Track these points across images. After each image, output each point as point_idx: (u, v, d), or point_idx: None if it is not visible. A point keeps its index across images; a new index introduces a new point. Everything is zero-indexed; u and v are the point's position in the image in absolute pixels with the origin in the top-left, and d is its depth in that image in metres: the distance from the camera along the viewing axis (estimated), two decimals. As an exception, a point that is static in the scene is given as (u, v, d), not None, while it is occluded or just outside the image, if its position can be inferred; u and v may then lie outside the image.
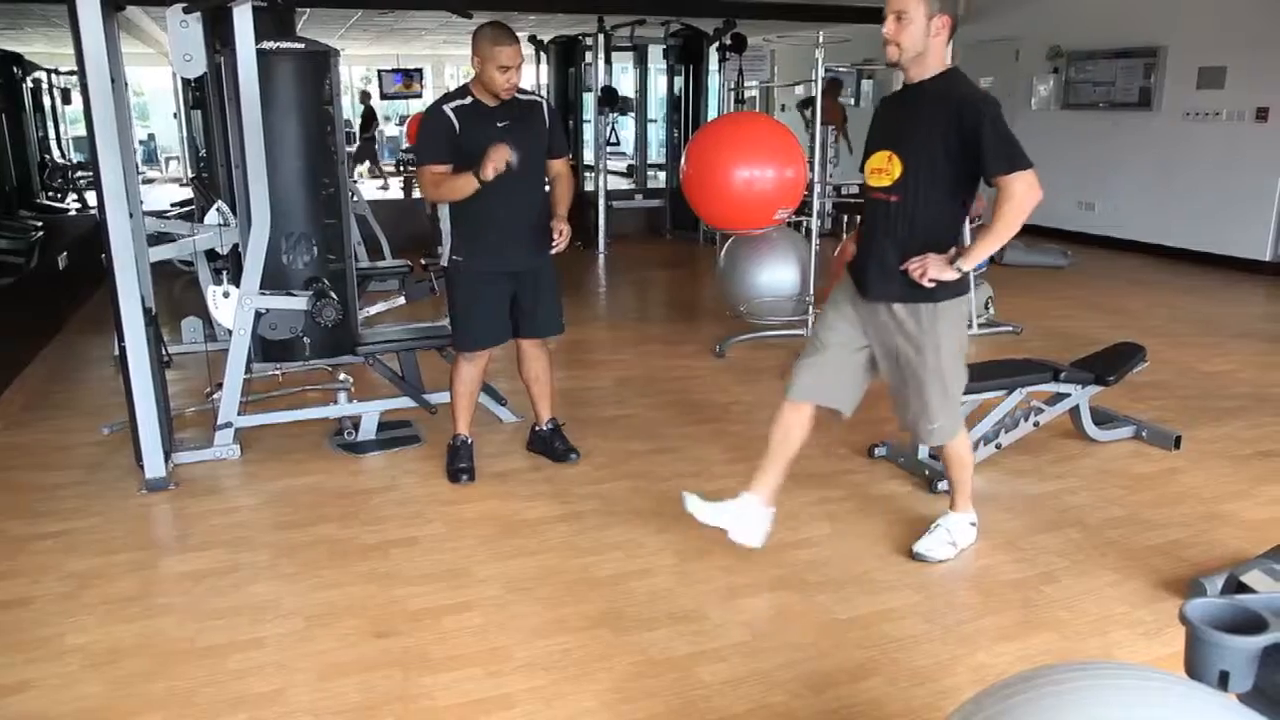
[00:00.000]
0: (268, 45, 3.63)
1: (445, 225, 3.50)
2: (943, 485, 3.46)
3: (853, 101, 12.32)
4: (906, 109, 2.67)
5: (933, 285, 2.57)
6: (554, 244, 3.38)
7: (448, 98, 3.37)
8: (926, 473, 3.56)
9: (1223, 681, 1.24)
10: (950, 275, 2.57)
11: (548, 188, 3.53)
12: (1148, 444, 3.97)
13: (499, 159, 3.13)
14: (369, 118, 16.13)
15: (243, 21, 3.46)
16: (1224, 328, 6.16)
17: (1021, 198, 2.45)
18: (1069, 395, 3.81)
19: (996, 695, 1.22)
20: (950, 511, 3.05)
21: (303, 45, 3.83)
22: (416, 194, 11.30)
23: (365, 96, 16.49)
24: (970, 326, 5.81)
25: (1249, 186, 7.92)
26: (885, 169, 2.66)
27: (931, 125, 2.55)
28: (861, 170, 2.82)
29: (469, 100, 3.32)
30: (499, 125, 3.29)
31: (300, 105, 3.77)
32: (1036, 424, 3.80)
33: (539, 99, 3.53)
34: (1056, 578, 2.89)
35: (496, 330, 3.55)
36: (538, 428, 3.87)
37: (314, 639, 2.55)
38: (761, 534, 2.91)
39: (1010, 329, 5.90)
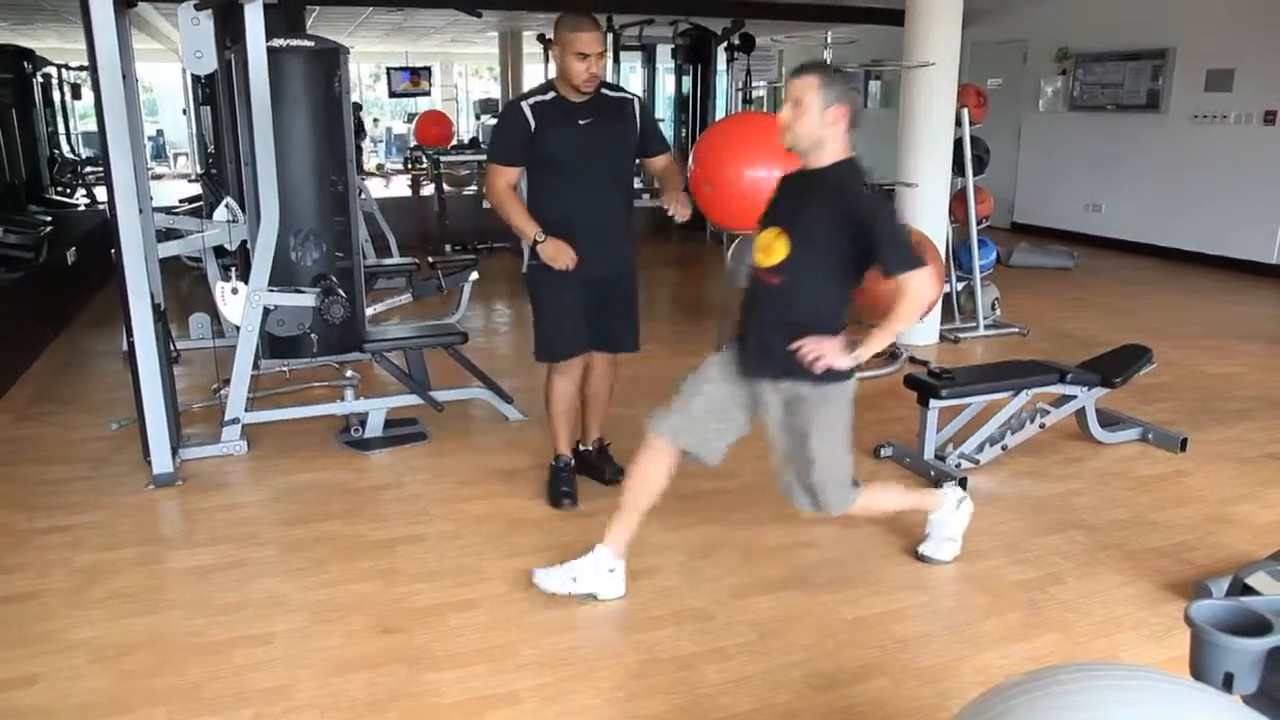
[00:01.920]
0: (278, 42, 3.65)
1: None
2: (948, 485, 3.47)
3: (861, 102, 12.31)
4: (802, 193, 2.61)
5: (822, 370, 2.50)
6: (673, 213, 3.11)
7: (529, 93, 3.19)
8: (933, 473, 3.56)
9: (1227, 683, 1.25)
10: (846, 362, 2.51)
11: (639, 184, 3.33)
12: (1154, 446, 3.97)
13: (563, 261, 3.05)
14: (356, 130, 16.08)
15: (253, 19, 3.47)
16: (1231, 330, 6.15)
17: (919, 294, 2.48)
18: (1075, 397, 3.80)
19: (1000, 697, 1.23)
20: (931, 516, 3.01)
21: (312, 42, 3.85)
22: (424, 191, 11.34)
23: (355, 108, 16.44)
24: (976, 328, 5.82)
25: (1257, 189, 7.90)
26: (770, 247, 2.58)
27: (822, 213, 2.52)
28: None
29: (550, 96, 3.12)
30: (580, 123, 3.10)
31: (309, 102, 3.78)
32: (1042, 425, 3.79)
33: (629, 96, 3.29)
34: (1062, 579, 2.89)
35: (580, 338, 3.29)
36: (583, 447, 3.59)
37: (320, 635, 2.56)
38: (621, 585, 2.77)
39: (1016, 330, 5.89)
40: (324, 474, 3.69)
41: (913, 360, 5.13)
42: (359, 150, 15.81)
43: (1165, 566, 2.96)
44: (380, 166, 16.54)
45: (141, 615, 2.66)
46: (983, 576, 2.91)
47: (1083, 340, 5.52)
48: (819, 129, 2.50)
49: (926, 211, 5.48)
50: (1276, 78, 7.67)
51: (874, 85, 12.54)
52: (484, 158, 11.10)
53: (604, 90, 3.16)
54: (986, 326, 5.86)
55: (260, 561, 2.99)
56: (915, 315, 2.55)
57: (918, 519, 3.23)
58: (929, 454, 3.62)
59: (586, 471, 3.59)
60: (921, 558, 2.97)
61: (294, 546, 3.09)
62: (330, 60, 3.86)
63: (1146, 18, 8.70)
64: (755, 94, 9.80)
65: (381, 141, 18.87)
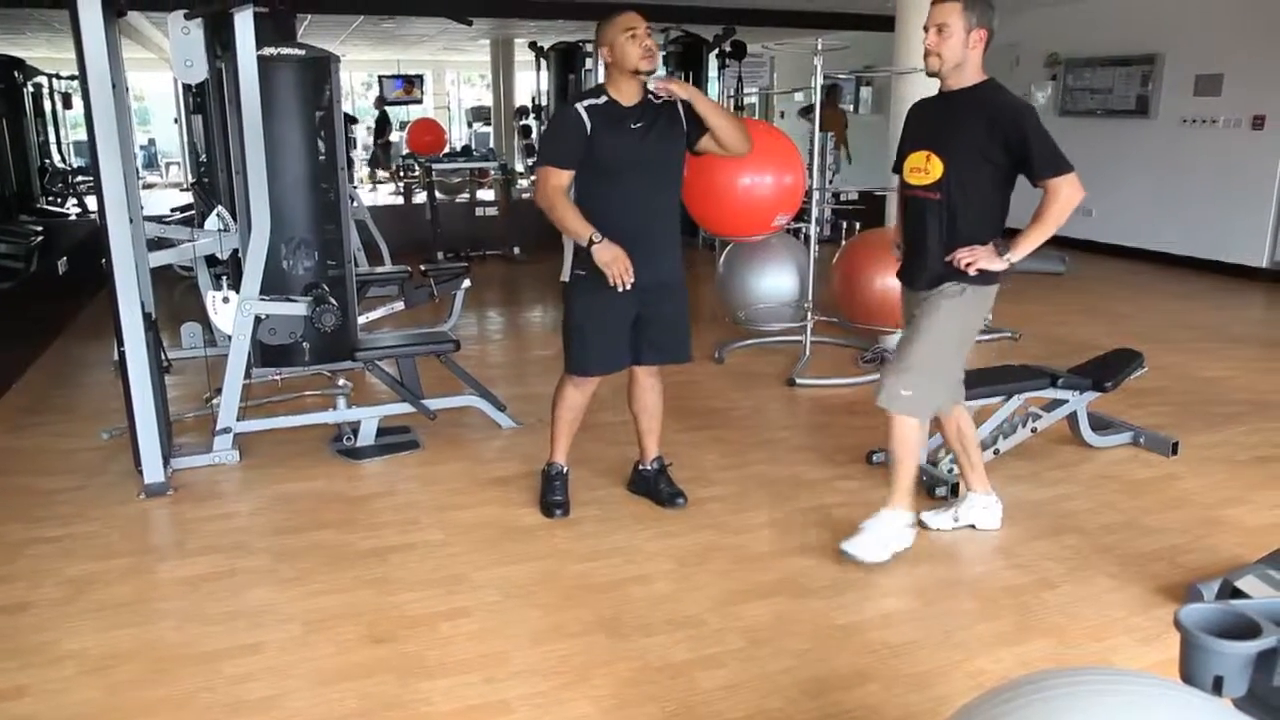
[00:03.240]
0: (268, 51, 3.64)
1: (569, 240, 3.17)
2: (941, 491, 3.48)
3: (851, 108, 12.35)
4: (945, 114, 2.83)
5: (978, 274, 2.75)
6: (661, 90, 3.04)
7: (583, 96, 3.11)
8: (925, 478, 3.56)
9: (1217, 686, 1.25)
10: (999, 265, 2.75)
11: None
12: (1146, 450, 3.98)
13: (617, 270, 2.92)
14: (383, 123, 16.09)
15: (244, 27, 3.47)
16: (1221, 334, 6.17)
17: (1067, 198, 2.66)
18: (1067, 401, 3.82)
19: (991, 702, 1.23)
20: (883, 510, 2.98)
21: (303, 51, 3.85)
22: (416, 199, 11.33)
23: (380, 102, 16.44)
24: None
25: (1246, 193, 7.94)
26: (924, 168, 2.81)
27: (973, 130, 2.72)
28: (897, 171, 2.98)
29: (603, 100, 3.06)
30: (633, 127, 3.06)
31: (300, 111, 3.78)
32: (1034, 430, 3.80)
33: (674, 100, 3.16)
34: (1054, 584, 2.89)
35: (614, 355, 3.21)
36: (642, 466, 3.52)
37: (311, 645, 2.55)
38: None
39: (1008, 335, 5.91)
40: (316, 483, 3.68)
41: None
42: (388, 145, 15.87)
43: (1157, 570, 2.96)
44: (371, 175, 16.53)
45: (132, 626, 2.65)
46: (974, 581, 2.92)
47: (1074, 344, 5.54)
48: (962, 51, 2.69)
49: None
50: (1265, 82, 7.72)
51: (865, 91, 12.60)
52: (476, 166, 11.12)
53: (649, 96, 3.10)
54: (978, 331, 5.87)
55: (252, 571, 2.98)
56: (1062, 218, 2.70)
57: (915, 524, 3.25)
58: (922, 459, 3.61)
59: (645, 493, 3.52)
60: (843, 552, 2.92)
61: (286, 556, 3.07)
62: (321, 69, 3.85)
63: (1136, 23, 8.75)
64: (747, 100, 9.82)
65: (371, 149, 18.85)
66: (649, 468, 3.51)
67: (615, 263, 2.93)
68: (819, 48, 5.14)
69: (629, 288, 2.95)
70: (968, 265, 2.74)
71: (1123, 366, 3.99)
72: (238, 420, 3.83)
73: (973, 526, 3.22)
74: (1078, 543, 3.16)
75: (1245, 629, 1.26)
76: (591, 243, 2.95)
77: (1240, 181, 7.98)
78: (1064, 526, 3.28)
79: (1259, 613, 1.29)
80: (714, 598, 2.79)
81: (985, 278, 2.81)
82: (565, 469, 3.43)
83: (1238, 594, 2.36)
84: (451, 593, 2.83)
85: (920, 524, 3.18)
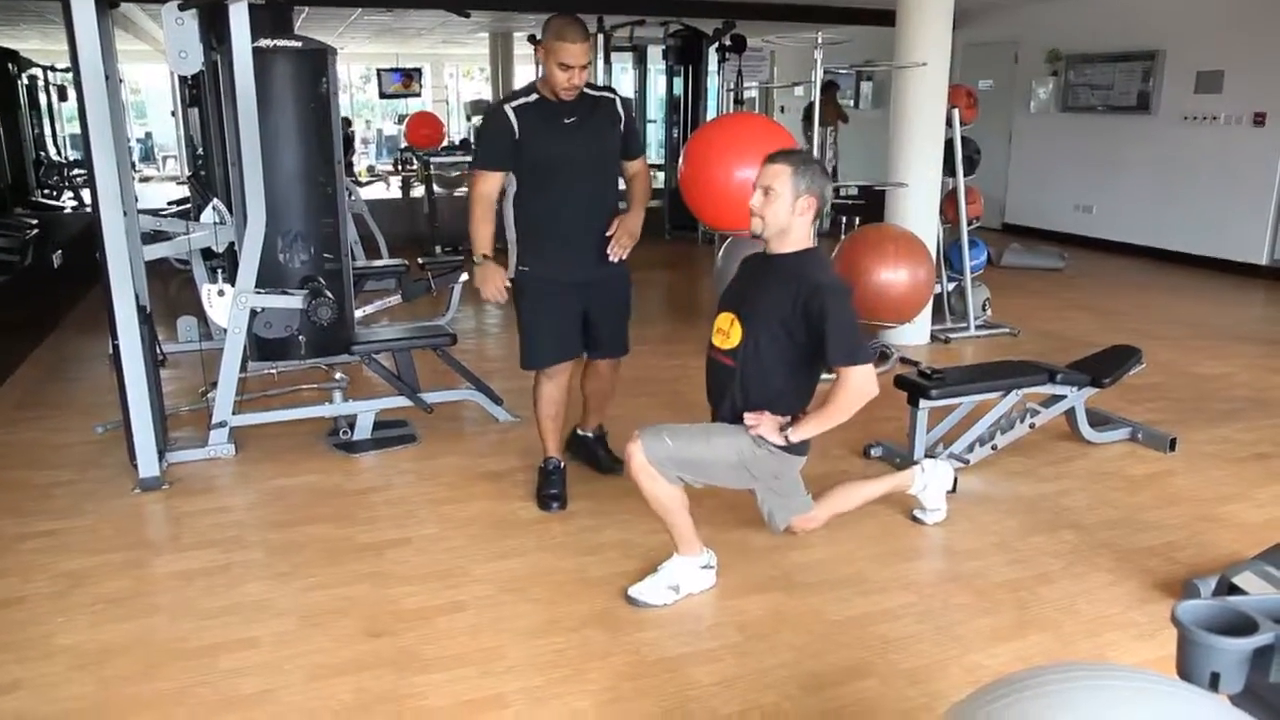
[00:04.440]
0: (264, 43, 3.62)
1: (511, 235, 3.25)
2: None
3: (851, 103, 12.33)
4: (760, 278, 2.69)
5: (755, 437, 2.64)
6: (610, 252, 3.16)
7: (511, 96, 3.16)
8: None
9: (1214, 683, 1.24)
10: (777, 440, 2.63)
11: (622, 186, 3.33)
12: (1143, 446, 3.97)
13: (487, 292, 3.14)
14: (347, 144, 15.91)
15: (239, 19, 3.45)
16: (1220, 331, 6.17)
17: (858, 389, 2.54)
18: (1065, 397, 3.81)
19: (987, 698, 1.22)
20: (675, 555, 2.78)
21: (300, 43, 3.83)
22: (414, 193, 11.31)
23: (346, 123, 16.21)
24: (967, 328, 5.82)
25: (1246, 190, 7.92)
26: (727, 331, 2.68)
27: (779, 301, 2.58)
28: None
29: (533, 98, 3.08)
30: (565, 122, 3.07)
31: (297, 103, 3.76)
32: (1032, 425, 3.79)
33: (612, 95, 3.27)
34: (1051, 579, 2.88)
35: (565, 345, 3.27)
36: (581, 431, 3.67)
37: (307, 639, 2.54)
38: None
39: (1007, 330, 5.90)
40: (312, 477, 3.67)
41: (903, 361, 5.12)
42: (351, 166, 15.71)
43: (1154, 566, 2.96)
44: (371, 169, 16.47)
45: (126, 620, 2.64)
46: (971, 576, 2.91)
47: (1072, 340, 5.53)
48: (786, 217, 2.57)
49: (917, 212, 5.49)
50: (1265, 79, 7.70)
51: (865, 86, 12.57)
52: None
53: (586, 90, 3.11)
54: (977, 327, 5.87)
55: (247, 565, 2.97)
56: (852, 409, 2.58)
57: (912, 519, 3.24)
58: (919, 454, 3.61)
59: (584, 457, 3.65)
60: (630, 600, 2.73)
61: (281, 550, 3.07)
62: (318, 61, 3.83)
63: (1137, 20, 8.72)
64: (747, 95, 9.78)
65: (372, 143, 18.81)
66: (589, 433, 3.67)
67: (486, 284, 3.15)
68: (819, 42, 5.12)
69: (501, 303, 3.20)
70: (751, 428, 2.61)
71: (1121, 362, 3.99)
72: (233, 414, 3.81)
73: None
74: (1075, 538, 3.15)
75: (1243, 625, 1.25)
76: (474, 263, 3.14)
77: (1241, 178, 7.96)
78: (1061, 522, 3.27)
79: (1256, 609, 1.28)
80: (709, 592, 2.79)
81: (780, 448, 2.65)
82: (560, 463, 3.43)
83: (1235, 590, 2.35)
84: (447, 587, 2.83)
85: (914, 519, 3.24)
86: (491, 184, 3.12)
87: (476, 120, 17.20)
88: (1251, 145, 7.86)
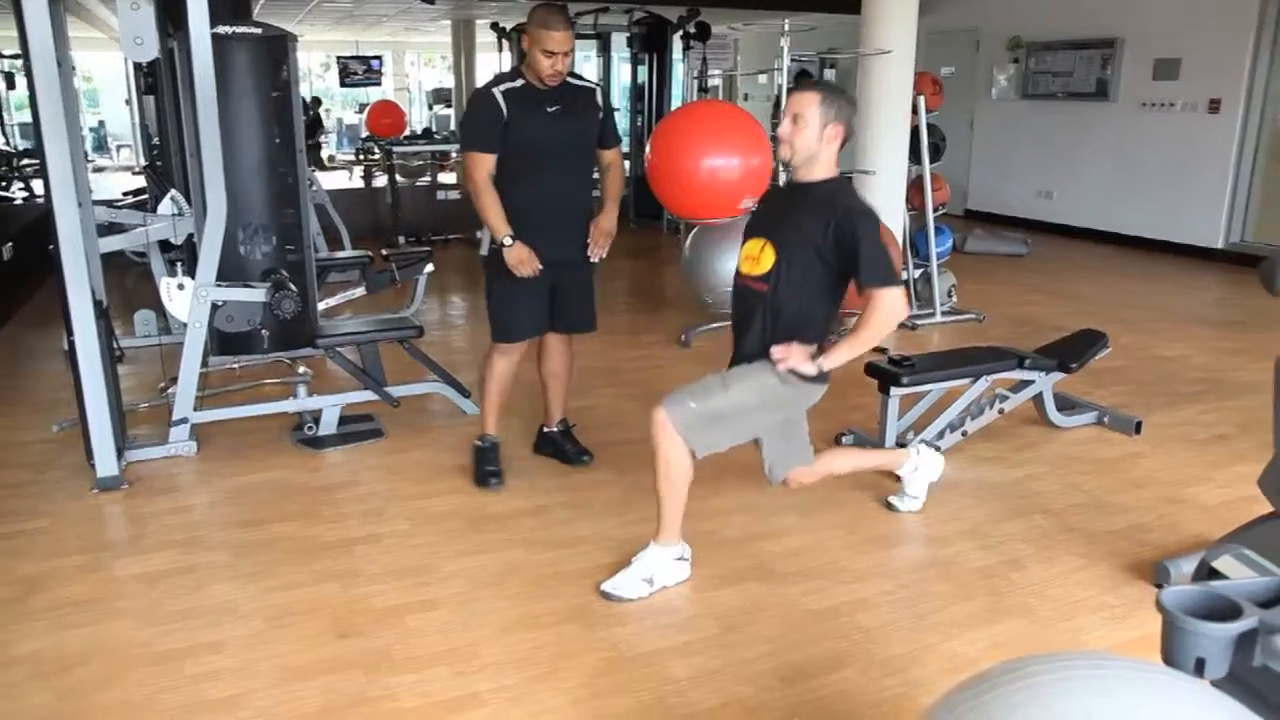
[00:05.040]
0: (223, 29, 3.53)
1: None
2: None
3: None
4: (789, 205, 2.71)
5: (785, 371, 2.63)
6: (589, 252, 3.31)
7: (499, 80, 3.22)
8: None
9: (1199, 668, 1.24)
10: (808, 370, 2.63)
11: (596, 177, 3.43)
12: (1110, 430, 4.02)
13: (525, 270, 3.18)
14: (314, 125, 15.71)
15: (197, 4, 3.34)
16: (1180, 314, 6.27)
17: (890, 311, 2.54)
18: (1033, 382, 3.84)
19: (973, 691, 1.21)
20: (651, 543, 2.77)
21: (259, 30, 3.74)
22: (376, 183, 11.15)
23: (315, 103, 15.98)
24: (934, 315, 5.86)
25: (1202, 176, 8.06)
26: (757, 258, 2.68)
27: (812, 226, 2.59)
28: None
29: (520, 83, 3.17)
30: (549, 110, 3.18)
31: (257, 91, 3.67)
32: (1001, 411, 3.82)
33: (593, 86, 3.38)
34: (1024, 564, 2.90)
35: (534, 322, 3.40)
36: (546, 428, 3.72)
37: (274, 641, 2.49)
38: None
39: (973, 316, 5.94)
40: (277, 474, 3.60)
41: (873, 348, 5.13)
42: (318, 146, 15.48)
43: (1124, 548, 2.99)
44: (331, 158, 16.22)
45: (87, 626, 2.56)
46: (945, 563, 2.92)
47: (1038, 325, 5.59)
48: (815, 145, 2.59)
49: (884, 199, 5.49)
50: (1221, 67, 7.84)
51: (830, 74, 12.59)
52: (437, 149, 10.97)
53: (569, 79, 3.22)
54: (944, 313, 5.91)
55: (211, 566, 2.90)
56: (883, 330, 2.60)
57: (886, 507, 3.25)
58: (890, 441, 3.62)
59: (552, 454, 3.70)
60: (603, 593, 2.71)
61: (246, 550, 3.00)
62: (278, 48, 3.75)
63: (1096, 7, 8.82)
64: (711, 82, 9.76)
65: (333, 132, 18.53)
66: (554, 429, 3.71)
67: (522, 265, 3.18)
68: (785, 29, 5.10)
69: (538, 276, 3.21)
70: (779, 361, 2.61)
71: (1087, 347, 4.03)
72: (195, 410, 3.72)
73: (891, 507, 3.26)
74: (1045, 523, 3.18)
75: (1226, 610, 1.26)
76: (504, 245, 3.15)
77: (1197, 164, 8.10)
78: (1031, 507, 3.30)
79: (1239, 593, 1.29)
80: (686, 585, 2.77)
81: (807, 378, 2.66)
82: (498, 440, 3.52)
83: (1215, 574, 2.38)
84: (419, 584, 2.78)
85: (889, 505, 3.27)
86: (489, 166, 3.19)
87: (439, 109, 17.05)
88: (1207, 132, 8.00)
